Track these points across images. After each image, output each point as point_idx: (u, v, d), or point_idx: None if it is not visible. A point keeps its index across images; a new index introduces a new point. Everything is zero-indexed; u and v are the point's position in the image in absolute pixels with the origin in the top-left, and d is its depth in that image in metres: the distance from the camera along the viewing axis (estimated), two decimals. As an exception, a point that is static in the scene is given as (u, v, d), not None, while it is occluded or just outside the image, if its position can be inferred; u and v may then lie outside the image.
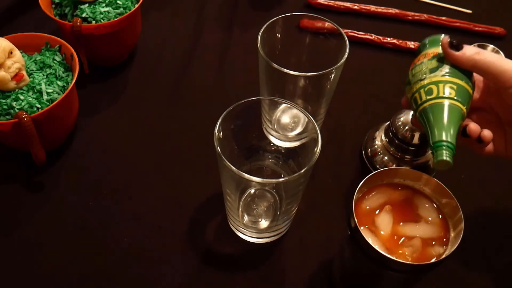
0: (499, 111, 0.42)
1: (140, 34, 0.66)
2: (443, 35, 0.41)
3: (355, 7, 0.75)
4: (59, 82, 0.53)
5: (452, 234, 0.38)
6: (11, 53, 0.50)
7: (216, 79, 0.66)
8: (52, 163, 0.56)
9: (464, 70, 0.40)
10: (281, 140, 0.53)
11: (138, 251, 0.50)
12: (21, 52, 0.53)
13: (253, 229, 0.49)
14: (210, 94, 0.64)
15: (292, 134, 0.53)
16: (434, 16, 0.73)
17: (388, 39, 0.69)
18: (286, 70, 0.46)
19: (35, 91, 0.51)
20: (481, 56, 0.39)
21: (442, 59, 0.40)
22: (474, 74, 0.41)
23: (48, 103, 0.51)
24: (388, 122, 0.54)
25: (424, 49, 0.43)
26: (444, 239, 0.38)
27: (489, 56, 0.39)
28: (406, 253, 0.38)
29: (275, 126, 0.53)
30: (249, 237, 0.50)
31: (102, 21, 0.58)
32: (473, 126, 0.40)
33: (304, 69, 0.48)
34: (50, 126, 0.52)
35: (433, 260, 0.37)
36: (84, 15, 0.58)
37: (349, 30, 0.70)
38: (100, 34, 0.58)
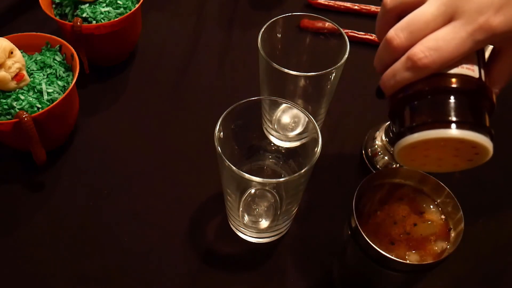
0: None
1: (140, 34, 0.67)
2: None
3: (355, 7, 0.75)
4: (59, 82, 0.53)
5: (452, 234, 0.38)
6: (12, 53, 0.50)
7: (216, 79, 0.66)
8: (52, 163, 0.56)
9: None
10: (282, 140, 0.53)
11: (138, 251, 0.50)
12: (21, 52, 0.53)
13: (254, 229, 0.49)
14: (210, 94, 0.64)
15: (292, 134, 0.53)
16: (434, 16, 0.73)
17: (388, 39, 0.69)
18: (286, 70, 0.46)
19: (36, 91, 0.51)
20: None
21: None
22: None
23: (48, 103, 0.51)
24: (388, 122, 0.54)
25: None
26: (445, 239, 0.38)
27: None
28: (407, 252, 0.38)
29: (276, 126, 0.53)
30: (249, 237, 0.50)
31: (102, 21, 0.58)
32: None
33: (304, 69, 0.48)
34: (51, 126, 0.52)
35: (433, 260, 0.37)
36: (84, 15, 0.58)
37: (349, 30, 0.70)
38: (100, 34, 0.58)
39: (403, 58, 0.35)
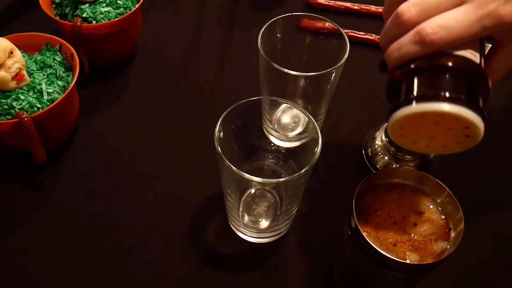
0: None
1: (140, 34, 0.67)
2: None
3: (355, 7, 0.75)
4: (59, 82, 0.53)
5: (452, 234, 0.38)
6: (12, 53, 0.50)
7: (216, 79, 0.66)
8: (52, 163, 0.56)
9: None
10: (282, 140, 0.53)
11: (138, 251, 0.50)
12: (21, 52, 0.53)
13: (254, 229, 0.49)
14: (210, 94, 0.64)
15: (292, 134, 0.53)
16: (434, 16, 0.73)
17: (388, 39, 0.69)
18: (286, 70, 0.46)
19: (36, 91, 0.51)
20: None
21: None
22: None
23: (48, 103, 0.51)
24: (388, 122, 0.54)
25: None
26: (445, 239, 0.38)
27: None
28: (407, 252, 0.38)
29: (276, 126, 0.53)
30: (249, 237, 0.50)
31: (102, 21, 0.58)
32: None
33: (304, 69, 0.48)
34: (51, 126, 0.52)
35: (433, 260, 0.37)
36: (84, 15, 0.58)
37: (349, 30, 0.70)
38: (100, 34, 0.58)
39: (411, 32, 0.35)
